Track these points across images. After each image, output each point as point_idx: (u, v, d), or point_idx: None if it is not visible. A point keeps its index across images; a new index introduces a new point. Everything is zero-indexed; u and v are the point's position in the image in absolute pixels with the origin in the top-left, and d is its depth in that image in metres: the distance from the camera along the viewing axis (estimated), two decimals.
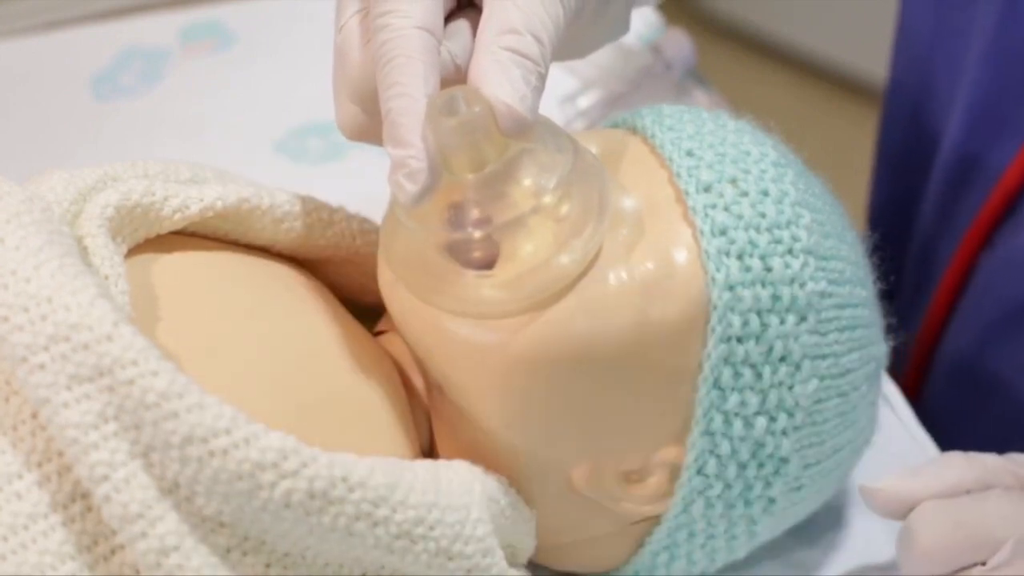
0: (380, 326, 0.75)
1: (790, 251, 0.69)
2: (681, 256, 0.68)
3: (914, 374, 0.96)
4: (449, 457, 0.69)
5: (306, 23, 1.10)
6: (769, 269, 0.69)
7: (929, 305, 0.95)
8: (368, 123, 0.68)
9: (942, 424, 0.90)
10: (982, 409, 0.90)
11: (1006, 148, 0.89)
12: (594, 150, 0.71)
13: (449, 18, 0.68)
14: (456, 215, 0.65)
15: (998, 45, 0.89)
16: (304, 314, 0.71)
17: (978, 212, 0.90)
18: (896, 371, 0.85)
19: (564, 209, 0.66)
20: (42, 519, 0.61)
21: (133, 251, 0.69)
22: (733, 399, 0.68)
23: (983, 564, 0.67)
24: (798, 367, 0.69)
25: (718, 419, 0.69)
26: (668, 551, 0.73)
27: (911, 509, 0.69)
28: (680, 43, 1.05)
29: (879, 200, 1.06)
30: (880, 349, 0.76)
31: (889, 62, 1.01)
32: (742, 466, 0.70)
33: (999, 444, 0.78)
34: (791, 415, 0.70)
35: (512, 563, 0.69)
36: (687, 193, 0.69)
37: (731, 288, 0.68)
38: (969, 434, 0.78)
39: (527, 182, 0.65)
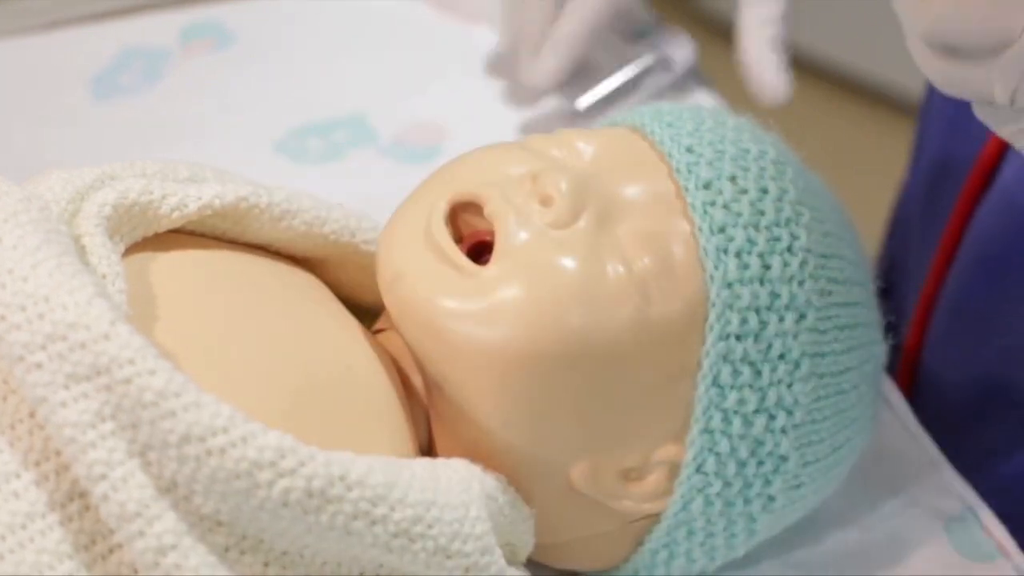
0: (379, 324, 0.75)
1: (789, 249, 0.69)
2: (679, 253, 0.68)
3: (917, 329, 0.95)
4: (448, 455, 0.69)
5: (306, 23, 1.10)
6: (768, 267, 0.69)
7: (931, 258, 0.95)
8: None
9: (937, 369, 0.90)
10: (978, 350, 0.90)
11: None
12: (594, 148, 0.72)
13: None
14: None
15: None
16: (302, 312, 0.71)
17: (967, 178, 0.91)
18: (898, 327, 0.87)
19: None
20: (40, 518, 0.61)
21: (131, 250, 0.69)
22: (732, 397, 0.68)
23: None
24: (797, 365, 0.69)
25: (717, 417, 0.69)
26: (667, 549, 0.73)
27: None
28: (681, 43, 1.06)
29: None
30: (879, 347, 0.76)
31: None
32: (741, 464, 0.70)
33: (991, 388, 0.79)
34: (790, 413, 0.70)
35: (511, 561, 0.69)
36: (686, 189, 0.69)
37: (729, 286, 0.68)
38: (964, 379, 0.78)
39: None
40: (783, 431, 0.70)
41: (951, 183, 0.92)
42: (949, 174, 0.93)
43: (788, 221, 0.70)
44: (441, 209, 0.69)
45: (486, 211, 0.69)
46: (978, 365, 0.85)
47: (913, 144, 1.05)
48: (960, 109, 0.90)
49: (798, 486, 0.72)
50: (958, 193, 0.91)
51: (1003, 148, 0.88)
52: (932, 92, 0.99)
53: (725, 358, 0.68)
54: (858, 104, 2.11)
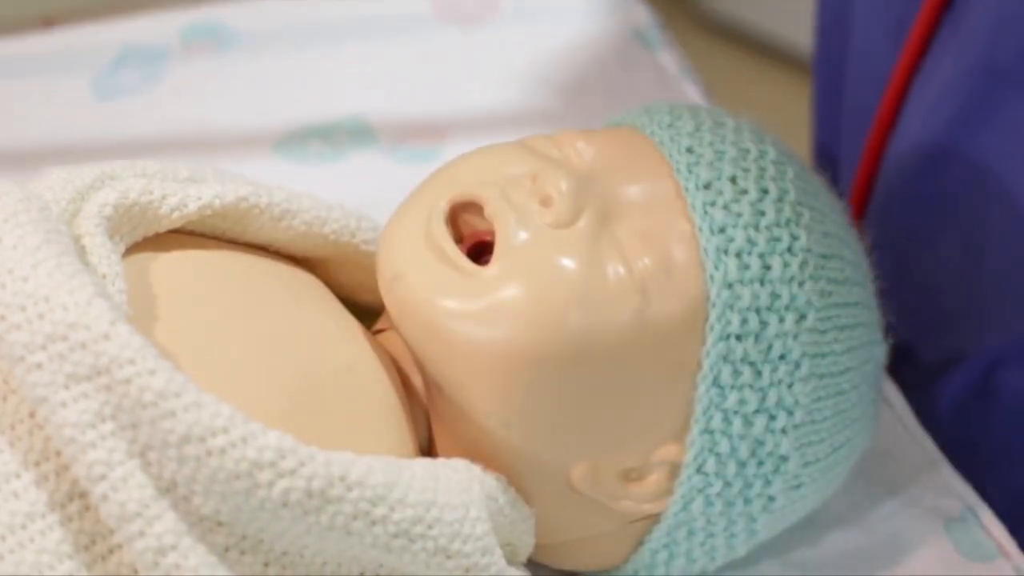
0: (379, 324, 0.75)
1: (789, 250, 0.69)
2: (680, 253, 0.68)
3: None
4: (448, 456, 0.69)
5: (306, 23, 1.10)
6: (768, 267, 0.69)
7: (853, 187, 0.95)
8: None
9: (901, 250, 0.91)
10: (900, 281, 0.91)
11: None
12: (594, 148, 0.72)
13: None
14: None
15: None
16: (302, 312, 0.71)
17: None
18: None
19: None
20: (40, 518, 0.61)
21: (131, 250, 0.69)
22: (732, 397, 0.68)
23: None
24: (797, 365, 0.69)
25: (717, 417, 0.69)
26: (667, 549, 0.73)
27: None
28: None
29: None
30: (879, 348, 0.76)
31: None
32: (741, 464, 0.70)
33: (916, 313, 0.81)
34: (790, 413, 0.70)
35: (511, 562, 0.69)
36: (686, 190, 0.69)
37: (729, 286, 0.68)
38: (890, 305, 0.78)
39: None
40: (783, 431, 0.70)
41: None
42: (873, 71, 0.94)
43: (788, 222, 0.70)
44: (441, 209, 0.69)
45: (486, 211, 0.69)
46: (897, 300, 0.85)
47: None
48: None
49: (798, 486, 0.72)
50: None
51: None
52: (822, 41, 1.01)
53: (725, 358, 0.68)
54: None
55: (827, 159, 1.03)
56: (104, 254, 0.66)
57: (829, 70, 1.01)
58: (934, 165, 0.88)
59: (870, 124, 0.92)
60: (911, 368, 0.90)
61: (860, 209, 0.94)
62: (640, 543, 0.73)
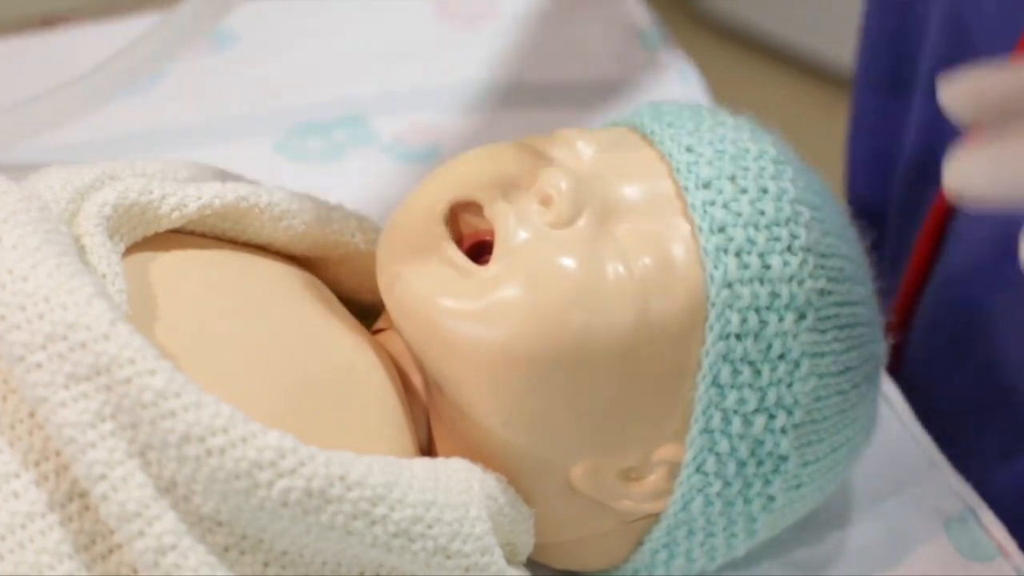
0: (379, 324, 0.75)
1: (789, 248, 0.69)
2: (679, 252, 0.68)
3: (898, 322, 0.95)
4: (448, 455, 0.69)
5: (306, 23, 1.10)
6: (767, 267, 0.69)
7: (908, 262, 0.94)
8: None
9: (919, 379, 0.90)
10: (959, 362, 0.90)
11: None
12: (593, 148, 0.72)
13: None
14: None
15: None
16: (302, 312, 0.71)
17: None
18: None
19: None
20: (39, 518, 0.61)
21: (131, 250, 0.69)
22: (732, 397, 0.68)
23: None
24: (797, 365, 0.69)
25: (717, 417, 0.69)
26: (667, 549, 0.73)
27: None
28: None
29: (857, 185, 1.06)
30: (879, 347, 0.76)
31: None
32: (741, 464, 0.70)
33: (975, 397, 0.78)
34: (790, 413, 0.70)
35: (511, 561, 0.69)
36: (686, 189, 0.69)
37: (729, 285, 0.68)
38: (947, 388, 0.78)
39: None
40: (783, 431, 0.70)
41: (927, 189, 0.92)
42: (924, 179, 0.93)
43: (788, 220, 0.70)
44: (441, 209, 0.69)
45: (486, 211, 0.69)
46: (957, 382, 0.84)
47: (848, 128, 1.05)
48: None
49: (798, 486, 0.72)
50: (931, 204, 0.91)
51: None
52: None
53: (725, 358, 0.68)
54: None
55: (867, 210, 1.02)
56: (104, 254, 0.66)
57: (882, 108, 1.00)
58: (1003, 242, 0.87)
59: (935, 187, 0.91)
60: (974, 450, 0.89)
61: (919, 281, 0.93)
62: (640, 543, 0.73)
